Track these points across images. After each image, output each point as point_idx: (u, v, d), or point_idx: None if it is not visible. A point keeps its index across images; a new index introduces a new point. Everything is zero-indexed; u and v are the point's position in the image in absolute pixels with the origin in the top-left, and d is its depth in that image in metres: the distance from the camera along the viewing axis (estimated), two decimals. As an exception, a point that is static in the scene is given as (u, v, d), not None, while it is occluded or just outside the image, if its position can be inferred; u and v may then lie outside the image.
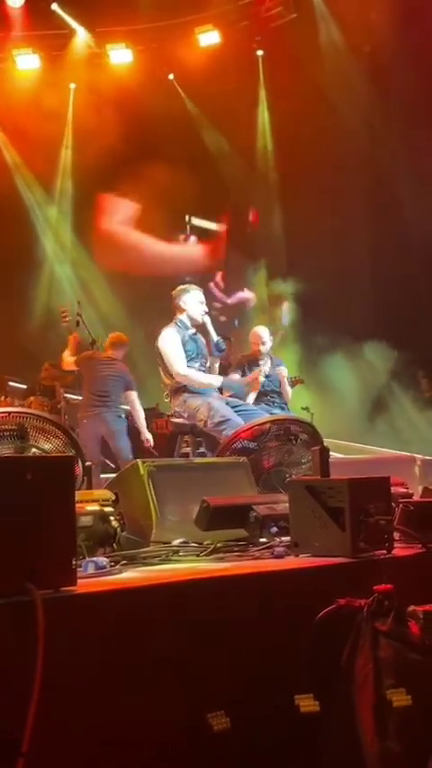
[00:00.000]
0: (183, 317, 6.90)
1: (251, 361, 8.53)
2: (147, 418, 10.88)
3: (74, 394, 11.35)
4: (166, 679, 2.57)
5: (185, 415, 6.72)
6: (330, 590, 2.93)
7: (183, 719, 2.58)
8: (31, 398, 10.70)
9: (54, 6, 12.41)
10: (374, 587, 2.87)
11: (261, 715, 2.72)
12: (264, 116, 13.33)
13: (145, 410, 11.36)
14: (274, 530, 3.51)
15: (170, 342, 6.77)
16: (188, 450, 6.74)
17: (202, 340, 6.90)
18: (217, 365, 6.96)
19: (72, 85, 13.25)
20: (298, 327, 12.39)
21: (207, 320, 6.84)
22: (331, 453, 3.55)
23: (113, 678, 2.47)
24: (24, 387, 11.57)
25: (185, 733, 2.58)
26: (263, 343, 8.60)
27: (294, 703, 2.74)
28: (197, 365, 6.78)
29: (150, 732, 2.51)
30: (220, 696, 2.65)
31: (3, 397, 10.71)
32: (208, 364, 6.88)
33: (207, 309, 6.91)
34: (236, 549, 3.47)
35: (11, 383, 11.53)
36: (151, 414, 10.68)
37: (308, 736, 2.80)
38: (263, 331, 8.76)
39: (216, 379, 6.70)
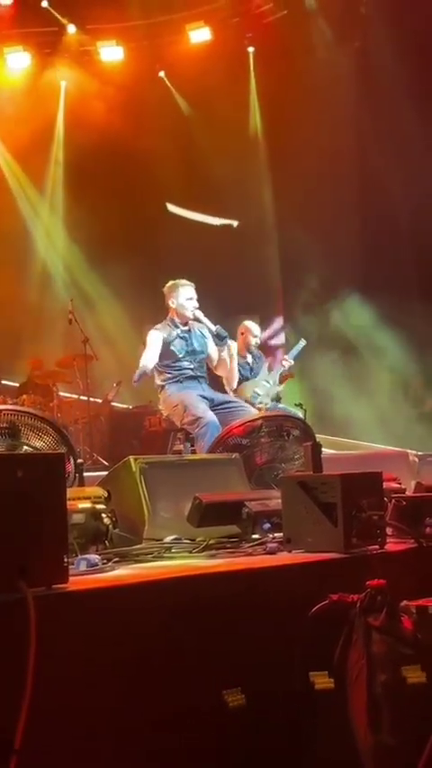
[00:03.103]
0: (172, 315, 6.93)
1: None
2: (139, 415, 10.92)
3: (67, 392, 11.37)
4: (158, 677, 2.56)
5: (165, 413, 6.80)
6: (323, 586, 2.94)
7: (174, 718, 2.58)
8: (24, 396, 10.69)
9: (44, 3, 12.36)
10: (367, 582, 2.86)
11: (253, 720, 2.72)
12: (255, 112, 13.31)
13: (137, 407, 11.41)
14: (267, 526, 3.50)
15: (150, 341, 6.89)
16: (181, 447, 6.76)
17: (203, 336, 6.90)
18: (225, 354, 6.94)
19: (63, 83, 13.22)
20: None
21: (199, 314, 6.85)
22: (324, 449, 3.56)
23: (106, 676, 2.47)
24: (17, 385, 11.57)
25: (178, 731, 2.58)
26: (253, 336, 8.65)
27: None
28: (186, 363, 6.80)
29: (141, 730, 2.51)
30: (211, 695, 2.65)
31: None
32: (215, 357, 6.88)
33: (196, 304, 6.89)
34: (228, 545, 3.47)
35: (3, 381, 11.54)
36: (144, 411, 10.69)
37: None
38: (253, 325, 8.78)
39: (148, 362, 6.71)
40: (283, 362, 9.07)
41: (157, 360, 6.78)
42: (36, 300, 13.08)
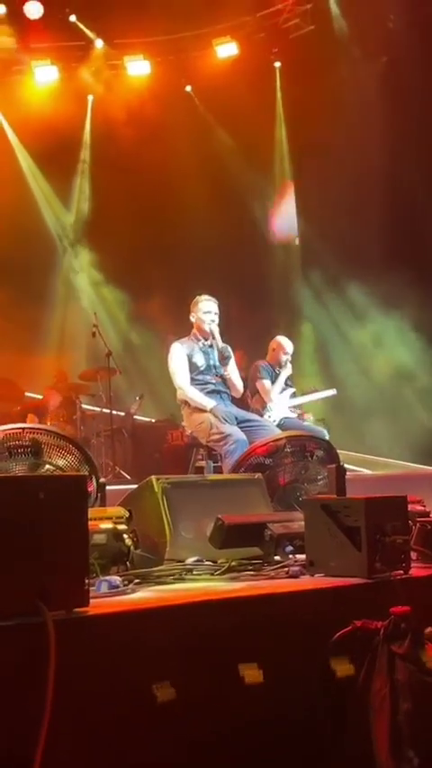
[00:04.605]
0: (194, 329, 6.94)
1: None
2: (161, 429, 10.90)
3: (90, 405, 11.37)
4: (179, 703, 2.53)
5: (189, 430, 6.77)
6: (346, 611, 2.90)
7: (193, 743, 2.54)
8: (16, 409, 10.71)
9: (73, 18, 12.44)
10: (391, 609, 2.83)
11: (271, 744, 2.69)
12: (281, 127, 13.31)
13: (159, 421, 11.39)
14: (290, 548, 3.47)
15: (174, 356, 6.89)
16: (202, 463, 6.73)
17: (225, 351, 6.88)
18: (233, 375, 6.92)
19: (90, 97, 13.28)
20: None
21: (214, 329, 6.84)
22: (347, 466, 3.52)
23: (126, 701, 2.44)
24: (41, 397, 11.59)
25: (196, 756, 2.55)
26: (285, 353, 8.64)
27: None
28: (209, 377, 6.79)
29: (161, 754, 2.48)
30: (231, 721, 2.62)
31: (19, 408, 10.73)
32: (227, 374, 6.86)
33: (214, 318, 6.87)
34: (250, 567, 3.44)
35: (26, 393, 11.57)
36: (166, 425, 10.67)
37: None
38: (286, 342, 8.76)
39: (208, 403, 6.64)
40: (308, 395, 9.03)
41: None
42: (60, 313, 13.12)
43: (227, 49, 12.61)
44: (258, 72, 12.80)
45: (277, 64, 13.12)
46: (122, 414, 11.47)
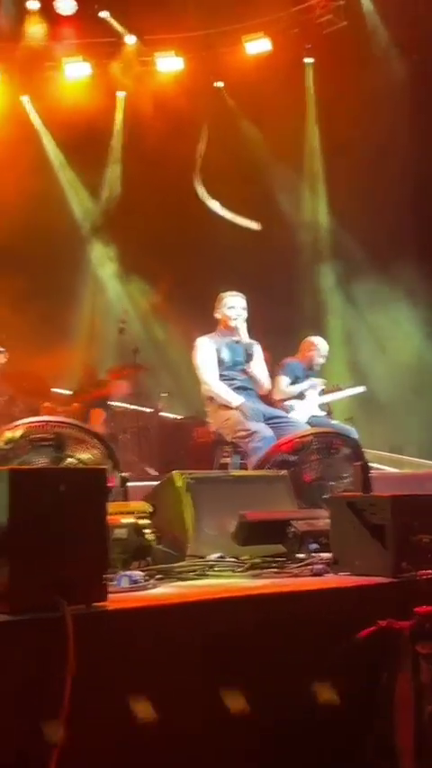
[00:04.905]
0: (219, 325, 6.89)
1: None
2: (188, 426, 10.87)
3: (119, 401, 11.37)
4: (199, 699, 2.49)
5: (214, 427, 6.71)
6: (370, 611, 2.85)
7: (214, 740, 2.51)
8: (75, 405, 10.70)
9: (104, 14, 12.43)
10: (416, 609, 2.78)
11: (292, 734, 2.65)
12: (312, 123, 13.22)
13: (185, 418, 11.37)
14: (314, 546, 3.42)
15: (200, 350, 6.79)
16: (228, 460, 6.67)
17: (250, 347, 6.83)
18: (257, 372, 6.86)
19: (120, 93, 13.28)
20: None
21: (239, 325, 6.77)
22: (375, 466, 3.47)
23: (145, 696, 2.41)
24: (69, 393, 11.60)
25: (216, 753, 2.51)
26: (321, 355, 8.59)
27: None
28: (234, 373, 6.73)
29: (181, 750, 2.44)
30: (253, 716, 2.57)
31: (47, 404, 10.73)
32: (252, 371, 6.80)
33: (240, 313, 6.82)
34: (274, 565, 3.39)
35: (55, 390, 11.58)
36: (192, 422, 10.63)
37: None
38: (322, 343, 8.69)
39: (235, 399, 6.56)
40: (334, 393, 8.94)
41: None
42: (89, 309, 13.14)
43: (259, 45, 12.53)
44: (290, 68, 12.71)
45: (309, 60, 13.01)
46: (149, 410, 11.45)
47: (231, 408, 6.52)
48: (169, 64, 12.76)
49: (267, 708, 2.59)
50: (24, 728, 2.22)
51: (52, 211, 12.53)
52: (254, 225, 12.51)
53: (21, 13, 12.04)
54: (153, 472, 9.56)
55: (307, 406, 8.36)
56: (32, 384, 10.75)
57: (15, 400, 9.88)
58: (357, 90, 11.77)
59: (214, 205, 12.76)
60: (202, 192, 12.80)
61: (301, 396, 8.44)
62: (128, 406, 11.13)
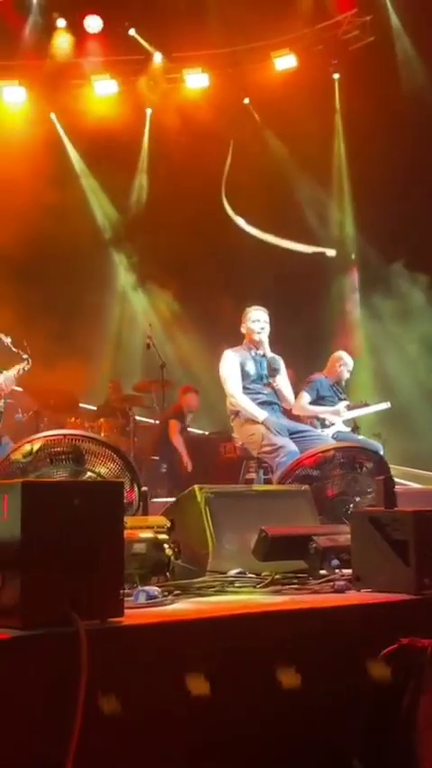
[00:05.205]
0: (245, 339, 6.87)
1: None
2: (215, 442, 10.83)
3: (144, 417, 11.36)
4: (216, 718, 2.44)
5: (240, 442, 6.67)
6: (393, 628, 2.79)
7: (226, 756, 2.46)
8: (101, 420, 10.70)
9: (132, 32, 12.52)
10: (440, 627, 2.72)
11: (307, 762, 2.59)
12: (339, 140, 13.20)
13: (213, 433, 11.33)
14: (336, 562, 3.37)
15: (226, 363, 6.79)
16: (253, 475, 6.63)
17: (274, 362, 6.79)
18: (282, 386, 6.81)
19: (148, 110, 13.34)
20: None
21: (263, 338, 6.75)
22: (400, 482, 3.41)
23: (159, 714, 2.36)
24: (95, 408, 11.61)
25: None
26: (348, 371, 8.56)
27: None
28: (259, 387, 6.70)
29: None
30: (266, 736, 2.52)
31: (73, 419, 10.73)
32: (277, 385, 6.76)
33: (264, 326, 6.79)
34: (295, 581, 3.34)
35: (82, 405, 11.59)
36: (219, 438, 10.60)
37: None
38: (348, 358, 8.65)
39: (260, 414, 6.52)
40: (358, 409, 8.86)
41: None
42: (115, 324, 13.17)
43: (285, 62, 12.56)
44: (317, 84, 12.72)
45: (336, 76, 13.01)
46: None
47: (257, 423, 6.49)
48: (196, 80, 12.81)
49: (286, 726, 2.54)
50: (37, 743, 2.18)
51: (79, 226, 12.62)
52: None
53: (49, 30, 12.15)
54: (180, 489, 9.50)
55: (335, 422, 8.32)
56: (59, 399, 10.77)
57: (41, 416, 9.89)
58: (384, 105, 11.74)
59: (240, 222, 12.77)
60: (228, 207, 12.83)
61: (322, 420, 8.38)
62: (154, 421, 11.12)
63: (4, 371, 6.43)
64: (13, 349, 6.44)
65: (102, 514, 2.43)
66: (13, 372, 6.47)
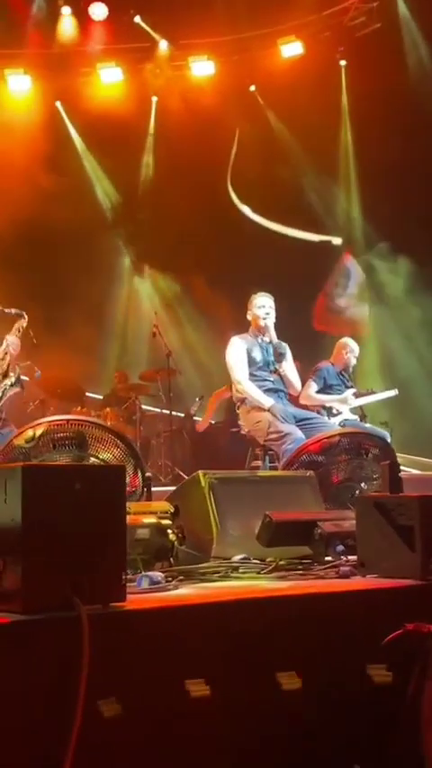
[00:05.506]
0: (251, 326, 6.85)
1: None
2: (221, 430, 10.82)
3: (150, 406, 11.35)
4: (219, 704, 2.42)
5: (246, 429, 6.65)
6: (398, 614, 2.76)
7: (227, 745, 2.44)
8: (107, 409, 10.70)
9: (137, 19, 12.45)
10: (445, 612, 2.69)
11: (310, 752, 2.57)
12: (346, 126, 13.13)
13: (219, 423, 11.33)
14: (340, 548, 3.34)
15: (232, 350, 6.80)
16: (259, 463, 6.62)
17: (280, 347, 6.77)
18: (289, 372, 6.79)
19: (154, 98, 13.28)
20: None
21: (269, 324, 6.73)
22: (406, 470, 3.39)
23: (161, 699, 2.35)
24: (101, 397, 11.61)
25: (229, 757, 2.45)
26: (355, 357, 8.53)
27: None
28: (266, 374, 6.68)
29: (194, 754, 2.38)
30: (268, 723, 2.50)
31: (80, 408, 10.73)
32: (283, 371, 6.74)
33: (269, 312, 6.77)
34: (299, 567, 3.32)
35: (88, 394, 11.58)
36: (226, 426, 10.58)
37: None
38: (354, 345, 8.61)
39: (266, 401, 6.50)
40: (364, 397, 8.82)
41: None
42: (122, 313, 13.15)
43: (292, 49, 12.48)
44: (323, 71, 12.64)
45: (343, 63, 12.93)
46: (182, 415, 11.42)
47: (263, 410, 6.47)
48: (202, 68, 12.74)
49: (290, 712, 2.53)
50: (38, 729, 2.17)
51: (84, 213, 12.56)
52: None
53: (54, 18, 12.10)
54: (186, 477, 9.48)
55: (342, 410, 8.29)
56: (65, 388, 10.78)
57: (47, 405, 9.89)
58: (391, 91, 11.67)
59: (245, 210, 12.74)
60: (233, 195, 12.79)
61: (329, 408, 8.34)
62: (160, 410, 11.11)
63: (7, 337, 6.33)
64: (6, 311, 6.33)
65: (103, 499, 2.42)
66: (14, 334, 6.35)
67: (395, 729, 2.65)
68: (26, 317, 6.38)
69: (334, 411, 8.28)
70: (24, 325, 6.36)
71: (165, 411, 10.90)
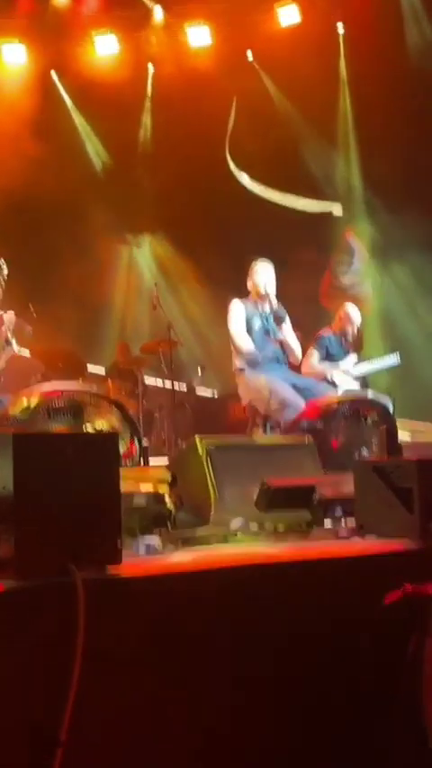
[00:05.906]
0: (251, 294, 6.83)
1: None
2: (223, 403, 10.81)
3: (154, 377, 11.32)
4: (217, 668, 2.42)
5: (246, 400, 6.64)
6: (397, 575, 2.76)
7: (227, 708, 2.44)
8: (109, 382, 10.67)
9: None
10: (443, 572, 2.69)
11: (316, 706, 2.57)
12: (344, 93, 13.00)
13: (221, 395, 11.32)
14: (339, 512, 3.34)
15: (232, 312, 6.81)
16: (260, 432, 6.58)
17: (280, 311, 6.78)
18: (289, 338, 6.77)
19: (150, 66, 13.16)
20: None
21: (269, 290, 6.72)
22: (407, 440, 3.38)
23: (157, 665, 2.35)
24: (103, 369, 11.58)
25: (231, 720, 2.44)
26: (356, 325, 8.44)
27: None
28: (265, 342, 6.66)
29: (193, 721, 2.38)
30: (270, 689, 2.50)
31: (82, 381, 10.70)
32: (283, 337, 6.73)
33: (269, 279, 6.76)
34: (298, 531, 3.31)
35: (89, 366, 11.56)
36: (228, 399, 10.57)
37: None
38: (355, 312, 8.52)
39: (246, 345, 6.57)
40: (368, 365, 8.74)
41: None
42: (122, 285, 13.11)
43: (289, 15, 12.32)
44: (321, 36, 12.47)
45: (341, 30, 12.78)
46: (184, 387, 11.39)
47: (262, 379, 6.44)
48: (199, 35, 12.59)
49: (291, 677, 2.52)
50: (35, 697, 2.17)
51: (81, 183, 12.47)
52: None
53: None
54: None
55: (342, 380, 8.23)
56: (66, 362, 10.73)
57: (48, 378, 9.84)
58: (390, 58, 11.55)
59: (244, 178, 12.67)
60: (231, 164, 12.71)
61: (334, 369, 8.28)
62: (162, 381, 11.09)
63: None
64: None
65: (96, 466, 2.41)
66: None
67: (397, 685, 2.65)
68: (5, 267, 6.21)
69: (336, 380, 8.22)
70: (5, 276, 6.19)
71: (167, 382, 10.86)
